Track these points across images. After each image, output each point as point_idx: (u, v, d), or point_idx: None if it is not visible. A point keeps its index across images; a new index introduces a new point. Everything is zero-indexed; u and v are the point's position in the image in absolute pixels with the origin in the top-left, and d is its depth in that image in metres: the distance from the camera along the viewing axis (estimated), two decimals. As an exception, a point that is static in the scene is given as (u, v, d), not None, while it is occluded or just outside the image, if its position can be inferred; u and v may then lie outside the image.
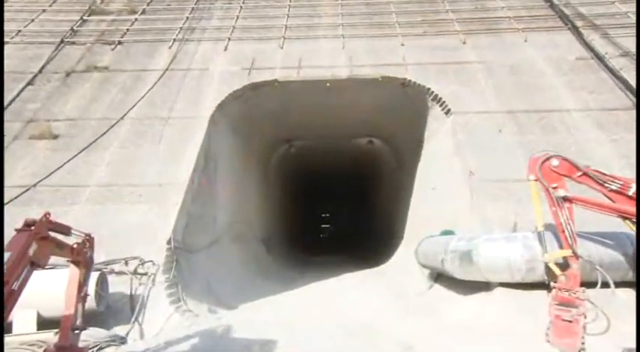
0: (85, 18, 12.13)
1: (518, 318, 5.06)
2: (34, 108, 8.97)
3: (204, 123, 8.67)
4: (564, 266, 4.62)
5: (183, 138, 8.37)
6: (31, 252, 2.94)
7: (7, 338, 4.43)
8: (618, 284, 4.83)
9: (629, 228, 4.59)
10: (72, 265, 3.82)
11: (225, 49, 10.73)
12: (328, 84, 9.55)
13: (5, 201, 6.83)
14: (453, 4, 12.02)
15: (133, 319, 5.55)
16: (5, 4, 12.35)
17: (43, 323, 4.95)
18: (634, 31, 9.74)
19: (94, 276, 4.96)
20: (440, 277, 7.43)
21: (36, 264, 3.00)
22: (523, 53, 10.00)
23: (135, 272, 6.12)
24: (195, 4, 12.71)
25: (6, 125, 8.43)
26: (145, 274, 6.15)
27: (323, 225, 37.60)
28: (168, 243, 6.59)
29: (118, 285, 5.92)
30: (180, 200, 7.22)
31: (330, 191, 30.12)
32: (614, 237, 5.19)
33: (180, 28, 11.52)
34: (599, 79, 9.03)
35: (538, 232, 4.93)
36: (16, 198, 7.05)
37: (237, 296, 7.76)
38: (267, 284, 9.66)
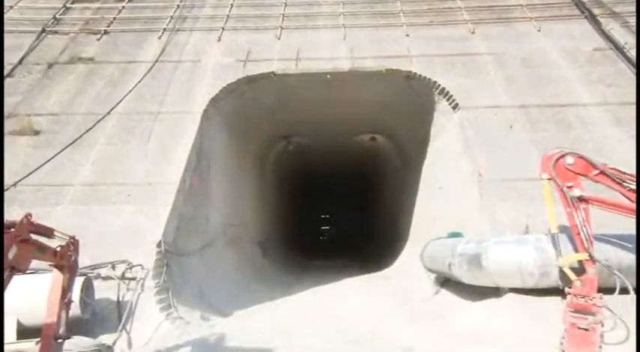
0: (68, 5, 12.08)
1: (530, 326, 5.05)
2: (14, 102, 8.93)
3: (196, 118, 8.65)
4: (580, 270, 4.60)
5: (174, 134, 8.35)
6: (10, 255, 2.91)
7: (-15, 348, 4.40)
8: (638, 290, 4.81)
9: (649, 230, 4.58)
10: (55, 269, 3.80)
11: (219, 40, 10.69)
12: (330, 75, 9.53)
13: (-16, 201, 6.80)
14: (461, -8, 11.99)
15: (120, 327, 5.54)
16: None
17: (24, 332, 4.92)
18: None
19: (78, 281, 4.91)
20: (447, 282, 7.43)
21: (16, 268, 2.97)
22: (536, 44, 9.98)
23: (122, 277, 6.10)
24: (187, -9, 12.67)
25: (-16, 120, 8.40)
26: (134, 279, 6.14)
27: (322, 227, 37.64)
28: (158, 246, 6.58)
29: (104, 291, 5.90)
30: (171, 200, 7.21)
31: (330, 191, 30.14)
32: (633, 239, 5.16)
33: (171, 16, 11.48)
34: (617, 71, 9.02)
35: (552, 234, 4.91)
36: (-5, 198, 7.02)
37: (232, 302, 7.76)
38: (262, 290, 9.66)
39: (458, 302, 6.62)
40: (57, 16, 11.55)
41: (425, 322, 6.30)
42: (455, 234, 7.42)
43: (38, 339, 3.94)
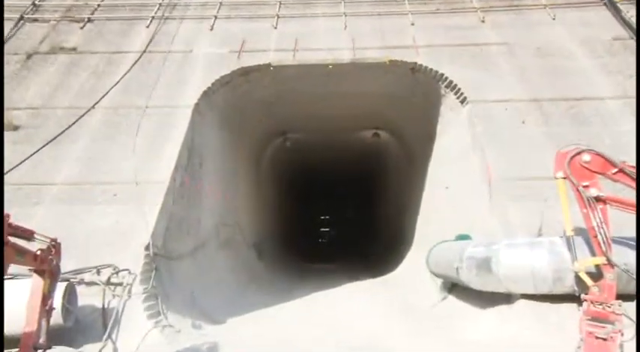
0: (50, -8, 12.01)
1: (543, 335, 5.05)
2: (-8, 96, 8.89)
3: (187, 113, 8.62)
4: (597, 276, 4.59)
5: (164, 130, 8.32)
6: (-14, 260, 2.90)
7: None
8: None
9: (671, 233, 4.56)
10: (35, 274, 3.79)
11: (211, 29, 10.65)
12: (331, 66, 9.49)
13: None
14: (470, -22, 11.95)
15: (105, 336, 5.50)
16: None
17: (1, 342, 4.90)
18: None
19: (60, 287, 4.89)
20: (454, 288, 7.44)
21: (-8, 273, 2.96)
22: (550, 32, 9.95)
23: (108, 283, 6.06)
24: (177, -24, 12.61)
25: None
26: (120, 284, 6.10)
27: (322, 229, 37.76)
28: (147, 248, 6.55)
29: (88, 297, 5.86)
30: (160, 200, 7.18)
31: (329, 190, 30.18)
32: (653, 242, 5.16)
33: (160, 4, 11.42)
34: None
35: (567, 237, 4.90)
36: (-29, 197, 6.98)
37: (225, 309, 7.75)
38: (258, 296, 9.66)
39: (466, 310, 6.62)
40: (36, 2, 11.47)
41: (431, 330, 6.29)
42: (463, 237, 7.43)
43: (17, 349, 3.92)
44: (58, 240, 4.05)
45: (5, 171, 7.47)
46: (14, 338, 4.29)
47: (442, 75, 9.18)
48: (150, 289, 6.25)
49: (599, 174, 4.68)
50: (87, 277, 6.09)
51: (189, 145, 8.47)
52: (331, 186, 28.87)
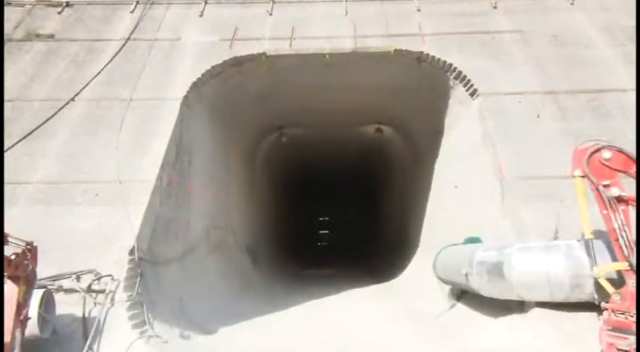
0: (25, -26, 11.95)
1: (559, 347, 5.04)
2: (-37, 87, 8.85)
3: (175, 106, 8.59)
4: (619, 282, 4.59)
5: (150, 124, 8.29)
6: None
7: None
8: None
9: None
10: (9, 281, 3.77)
11: (201, 15, 10.61)
12: (329, 56, 9.46)
13: None
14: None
15: (85, 348, 5.48)
16: None
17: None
18: None
19: (36, 295, 4.86)
20: (463, 295, 7.45)
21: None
22: (568, 18, 9.95)
23: (89, 290, 6.04)
24: (164, -42, 12.55)
25: None
26: (102, 291, 6.08)
27: (321, 231, 37.81)
28: (131, 253, 6.53)
29: (67, 306, 5.83)
30: (145, 200, 7.16)
31: (329, 189, 30.21)
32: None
33: (145, -13, 11.38)
34: (662, 50, 9.00)
35: (585, 240, 4.90)
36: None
37: (216, 317, 7.75)
38: (252, 303, 9.68)
39: (476, 318, 6.62)
40: (11, -15, 11.42)
41: (438, 341, 6.29)
42: (472, 240, 7.44)
43: (-11, 363, 3.89)
44: (35, 244, 4.03)
45: (-23, 168, 7.43)
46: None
47: (450, 65, 9.16)
48: (134, 296, 6.23)
49: (621, 172, 4.68)
50: (66, 284, 6.06)
51: (177, 141, 8.44)
52: (331, 185, 28.90)
